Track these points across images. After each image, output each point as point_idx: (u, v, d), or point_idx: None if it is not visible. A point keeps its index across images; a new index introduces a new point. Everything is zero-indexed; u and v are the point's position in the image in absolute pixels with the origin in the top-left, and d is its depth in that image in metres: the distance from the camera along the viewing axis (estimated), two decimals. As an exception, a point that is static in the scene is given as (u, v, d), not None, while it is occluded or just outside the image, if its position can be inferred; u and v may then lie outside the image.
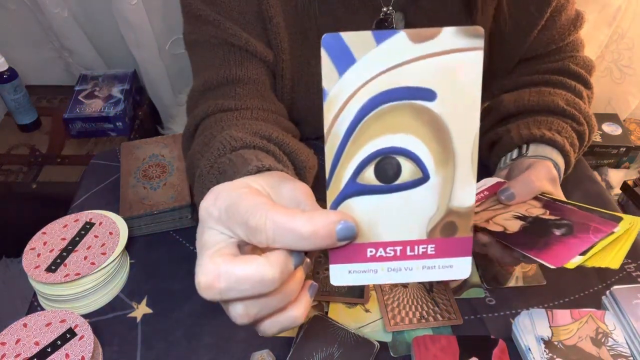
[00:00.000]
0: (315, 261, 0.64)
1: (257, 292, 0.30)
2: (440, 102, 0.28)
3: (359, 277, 0.32)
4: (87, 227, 0.64)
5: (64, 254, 0.61)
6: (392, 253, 0.31)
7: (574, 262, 0.45)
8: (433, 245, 0.31)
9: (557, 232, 0.48)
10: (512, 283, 0.63)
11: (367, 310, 0.60)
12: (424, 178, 0.30)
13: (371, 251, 0.31)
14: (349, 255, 0.31)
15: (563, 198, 0.56)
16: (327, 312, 0.59)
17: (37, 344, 0.53)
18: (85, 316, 0.58)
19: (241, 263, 0.30)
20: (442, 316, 0.59)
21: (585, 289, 0.62)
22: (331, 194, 0.31)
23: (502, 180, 0.60)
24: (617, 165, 1.35)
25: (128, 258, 0.66)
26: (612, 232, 0.46)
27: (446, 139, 0.29)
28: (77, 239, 0.63)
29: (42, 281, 0.58)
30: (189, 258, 0.66)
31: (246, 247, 0.33)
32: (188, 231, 0.70)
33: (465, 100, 0.28)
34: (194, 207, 0.71)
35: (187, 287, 0.63)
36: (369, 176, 0.30)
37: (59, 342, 0.53)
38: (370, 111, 0.29)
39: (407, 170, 0.30)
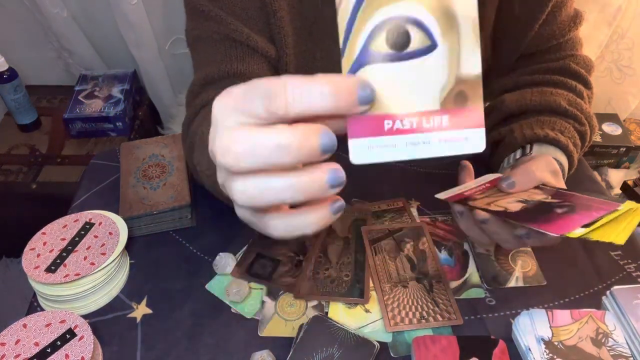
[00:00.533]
0: (316, 261, 0.64)
1: (274, 160, 0.28)
2: None
3: (379, 153, 0.31)
4: (87, 227, 0.64)
5: (64, 254, 0.61)
6: (409, 125, 0.31)
7: (577, 232, 0.44)
8: (447, 116, 0.31)
9: (559, 211, 0.48)
10: (512, 283, 0.63)
11: (367, 311, 0.60)
12: (432, 45, 0.31)
13: (388, 123, 0.31)
14: (366, 127, 0.31)
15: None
16: (327, 312, 0.59)
17: (36, 344, 0.53)
18: (85, 316, 0.58)
19: (261, 128, 0.28)
20: (442, 316, 0.59)
21: (585, 289, 0.62)
22: (346, 63, 0.31)
23: (503, 175, 0.60)
24: (617, 165, 1.35)
25: (128, 258, 0.66)
26: (616, 210, 0.46)
27: (449, 6, 0.30)
28: (77, 239, 0.63)
29: (42, 281, 0.58)
30: (189, 258, 0.66)
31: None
32: (188, 231, 0.70)
33: None
34: (193, 208, 0.71)
35: (187, 287, 0.63)
36: (380, 45, 0.31)
37: (58, 343, 0.53)
38: None
39: (416, 38, 0.31)
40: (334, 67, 0.62)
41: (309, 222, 0.30)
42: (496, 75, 0.76)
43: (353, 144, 0.31)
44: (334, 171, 0.29)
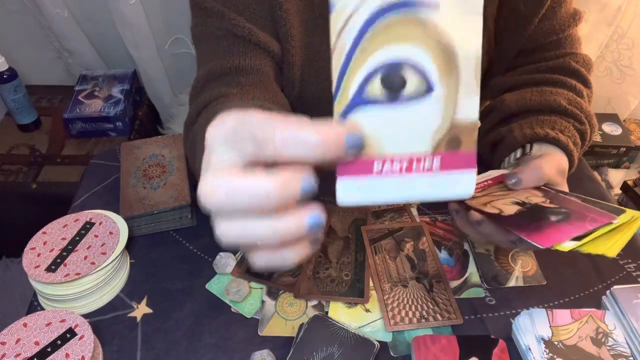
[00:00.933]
0: (316, 261, 0.64)
1: (255, 207, 0.29)
2: (443, 12, 0.29)
3: (367, 194, 0.31)
4: (87, 227, 0.64)
5: (64, 253, 0.61)
6: (399, 167, 0.31)
7: (566, 245, 0.45)
8: (439, 159, 0.31)
9: (553, 218, 0.48)
10: (512, 283, 0.63)
11: (367, 310, 0.60)
12: (429, 89, 0.30)
13: (378, 165, 0.31)
14: (355, 167, 0.31)
15: (567, 190, 0.56)
16: (327, 312, 0.59)
17: (37, 343, 0.53)
18: (85, 316, 0.58)
19: (242, 175, 0.29)
20: (442, 316, 0.59)
21: (585, 289, 0.62)
22: (338, 107, 0.31)
23: (508, 172, 0.59)
24: (617, 165, 1.35)
25: (128, 258, 0.66)
26: (610, 223, 0.46)
27: (450, 50, 0.30)
28: (77, 238, 0.63)
29: (42, 281, 0.58)
30: (189, 258, 0.66)
31: (256, 169, 0.31)
32: (188, 231, 0.70)
33: (469, 9, 0.29)
34: (194, 207, 0.71)
35: (187, 287, 0.63)
36: (375, 88, 0.30)
37: (59, 342, 0.53)
38: (375, 22, 0.29)
39: (413, 82, 0.30)
40: None
41: (289, 257, 0.31)
42: (496, 70, 0.77)
43: (341, 184, 0.31)
44: (315, 217, 0.30)
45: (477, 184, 0.56)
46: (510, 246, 0.55)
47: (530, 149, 0.63)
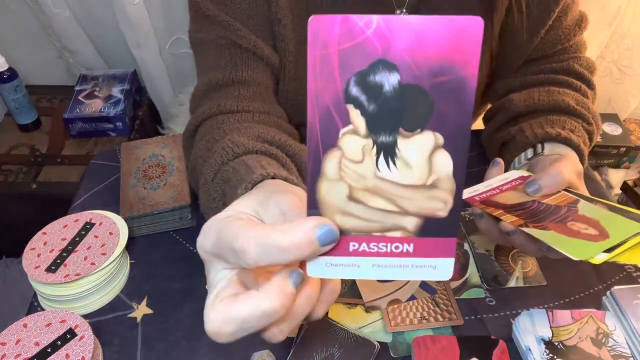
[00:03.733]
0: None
1: (265, 324, 0.31)
2: None
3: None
4: (87, 227, 0.64)
5: (64, 254, 0.61)
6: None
7: (598, 258, 0.44)
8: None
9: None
10: (512, 283, 0.63)
11: (367, 311, 0.60)
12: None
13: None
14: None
15: (587, 193, 0.56)
16: (327, 313, 0.59)
17: (37, 344, 0.53)
18: (85, 316, 0.58)
19: (241, 303, 0.30)
20: (442, 316, 0.59)
21: (585, 290, 0.62)
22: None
23: (527, 174, 0.59)
24: (617, 165, 1.35)
25: (128, 258, 0.66)
26: (638, 233, 0.45)
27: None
28: (77, 239, 0.63)
29: (42, 281, 0.58)
30: (189, 258, 0.66)
31: (248, 277, 0.33)
32: (188, 231, 0.70)
33: None
34: (194, 207, 0.71)
35: (187, 287, 0.63)
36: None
37: (59, 343, 0.53)
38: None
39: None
40: None
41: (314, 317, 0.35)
42: (499, 77, 0.76)
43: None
44: (296, 278, 0.32)
45: (497, 185, 0.56)
46: (541, 254, 0.54)
47: (542, 149, 0.63)
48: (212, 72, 0.64)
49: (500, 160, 0.59)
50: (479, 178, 0.59)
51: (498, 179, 0.57)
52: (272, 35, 0.64)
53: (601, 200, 0.52)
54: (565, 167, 0.55)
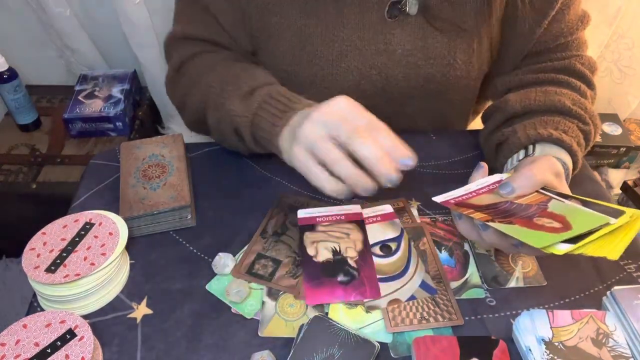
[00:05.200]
0: (316, 261, 0.64)
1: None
2: None
3: None
4: (87, 227, 0.64)
5: (64, 254, 0.61)
6: None
7: (560, 249, 0.45)
8: None
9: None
10: (512, 283, 0.63)
11: (367, 311, 0.59)
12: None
13: None
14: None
15: (568, 192, 0.56)
16: (327, 313, 0.59)
17: (36, 344, 0.53)
18: (85, 317, 0.58)
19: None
20: (442, 317, 0.59)
21: (585, 290, 0.62)
22: None
23: (505, 176, 0.60)
24: (617, 165, 1.35)
25: (128, 258, 0.66)
26: (608, 224, 0.46)
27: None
28: (77, 239, 0.63)
29: (42, 282, 0.58)
30: (189, 258, 0.66)
31: None
32: (188, 231, 0.70)
33: None
34: (194, 207, 0.71)
35: (187, 287, 0.63)
36: None
37: (58, 343, 0.53)
38: None
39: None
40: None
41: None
42: (501, 70, 0.77)
43: None
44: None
45: (475, 190, 0.57)
46: (513, 250, 0.55)
47: (533, 150, 0.63)
48: (191, 26, 0.75)
49: (484, 164, 0.60)
50: (477, 179, 0.59)
51: (476, 183, 0.58)
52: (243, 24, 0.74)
53: (578, 197, 0.53)
54: (539, 168, 0.56)
